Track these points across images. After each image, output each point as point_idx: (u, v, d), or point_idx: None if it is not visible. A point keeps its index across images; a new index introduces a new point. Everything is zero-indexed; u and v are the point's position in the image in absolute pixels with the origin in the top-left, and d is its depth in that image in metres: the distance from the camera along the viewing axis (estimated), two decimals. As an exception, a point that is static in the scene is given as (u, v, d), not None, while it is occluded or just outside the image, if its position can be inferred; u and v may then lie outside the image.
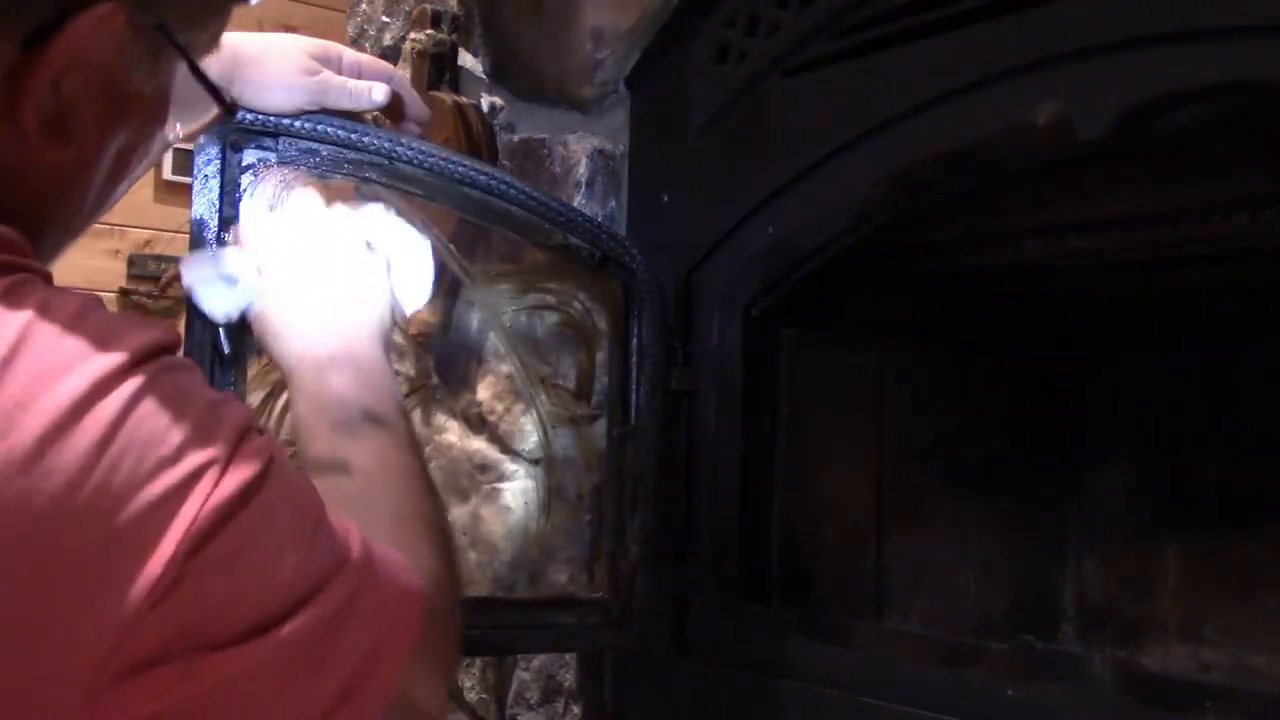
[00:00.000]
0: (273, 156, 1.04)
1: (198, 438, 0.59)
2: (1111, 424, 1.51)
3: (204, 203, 1.02)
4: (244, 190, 1.03)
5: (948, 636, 1.34)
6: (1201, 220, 1.04)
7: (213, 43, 0.73)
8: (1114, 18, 0.94)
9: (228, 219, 1.02)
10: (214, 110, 0.78)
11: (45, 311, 0.58)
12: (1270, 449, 1.33)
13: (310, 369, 0.87)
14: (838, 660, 1.12)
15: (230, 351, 0.98)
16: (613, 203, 1.38)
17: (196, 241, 1.01)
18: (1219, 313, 1.39)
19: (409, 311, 1.04)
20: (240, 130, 1.02)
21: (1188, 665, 1.38)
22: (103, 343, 0.58)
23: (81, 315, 0.59)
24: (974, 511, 1.46)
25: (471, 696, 1.47)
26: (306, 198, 1.00)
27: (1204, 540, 1.40)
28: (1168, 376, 1.45)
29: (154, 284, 3.33)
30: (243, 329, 0.96)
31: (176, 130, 0.78)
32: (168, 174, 3.15)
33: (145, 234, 3.28)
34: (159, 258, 3.32)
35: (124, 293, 3.30)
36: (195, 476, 0.58)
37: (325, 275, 0.93)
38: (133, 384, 0.58)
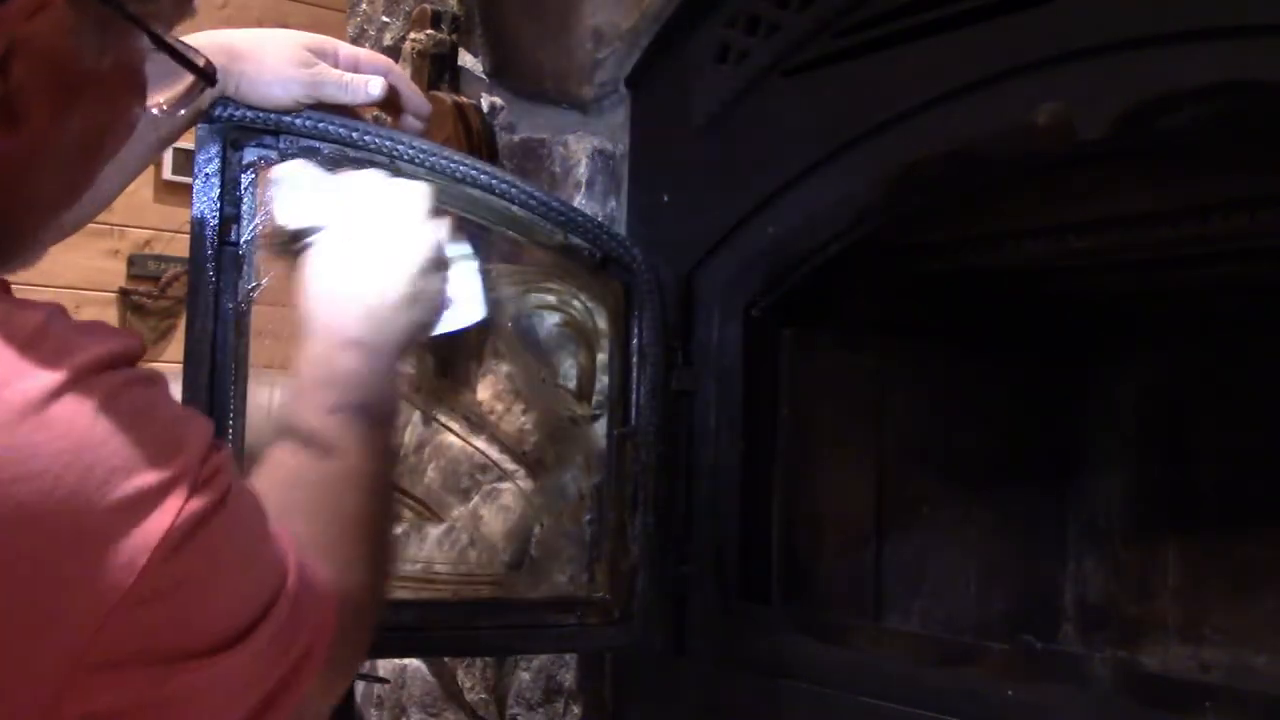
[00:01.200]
0: (274, 154, 1.03)
1: (164, 452, 0.60)
2: (1112, 424, 1.51)
3: (205, 201, 1.01)
4: (244, 188, 1.02)
5: (948, 636, 1.34)
6: (1201, 220, 1.04)
7: (178, 8, 0.71)
8: (1114, 18, 0.94)
9: (229, 217, 1.02)
10: (190, 78, 0.75)
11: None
12: (1270, 449, 1.33)
13: (335, 338, 0.86)
14: (838, 660, 1.12)
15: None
16: (613, 203, 1.37)
17: (197, 240, 1.01)
18: (1219, 313, 1.39)
19: (444, 331, 1.00)
20: (240, 128, 1.01)
21: (1188, 665, 1.38)
22: (59, 353, 0.58)
23: (43, 328, 0.59)
24: (974, 511, 1.46)
25: (471, 696, 1.47)
26: (417, 188, 0.97)
27: (1204, 540, 1.40)
28: (1168, 376, 1.45)
29: (154, 284, 3.33)
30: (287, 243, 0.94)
31: (158, 103, 0.75)
32: (168, 174, 3.14)
33: (145, 234, 3.28)
34: (159, 258, 3.32)
35: (124, 293, 3.30)
36: (164, 490, 0.59)
37: (397, 262, 0.91)
38: (89, 393, 0.58)
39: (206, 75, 0.75)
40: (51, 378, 0.57)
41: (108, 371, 0.60)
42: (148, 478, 0.58)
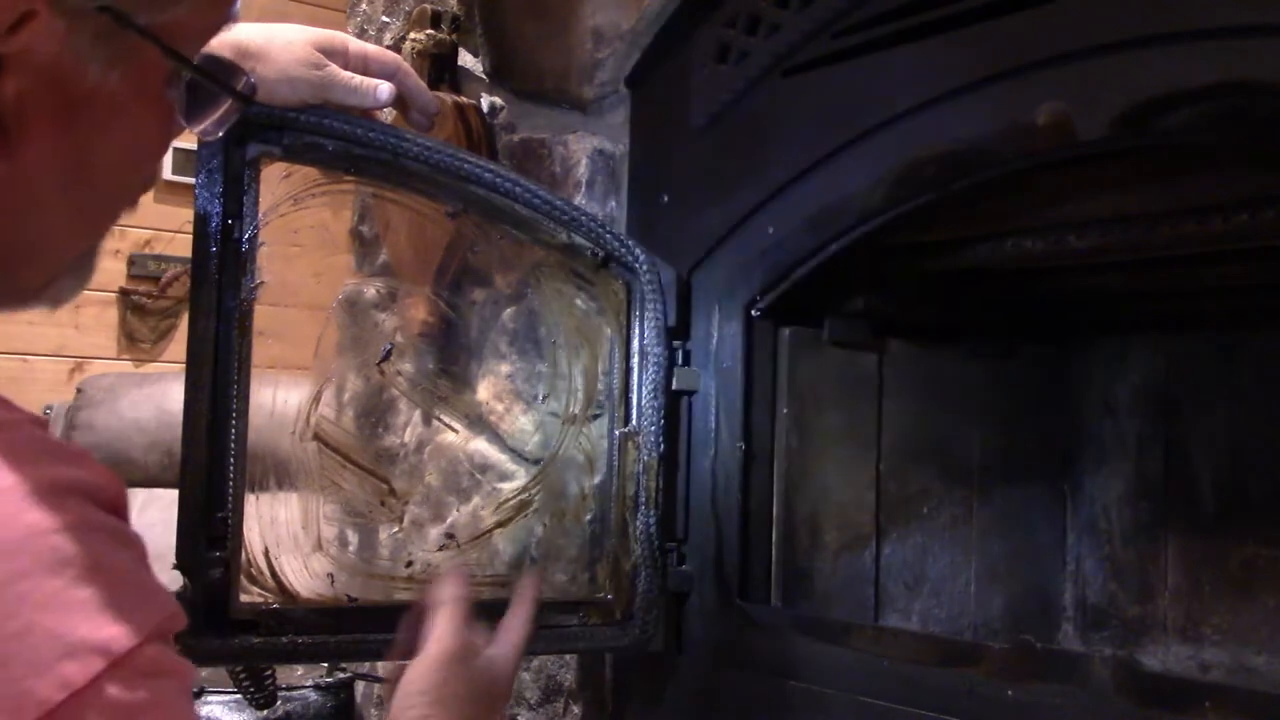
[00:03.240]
0: (278, 150, 1.03)
1: (100, 609, 0.48)
2: (1111, 424, 1.51)
3: (208, 197, 1.00)
4: (247, 184, 1.01)
5: (948, 636, 1.34)
6: (1201, 220, 1.04)
7: (202, 22, 0.64)
8: (1114, 18, 0.94)
9: (232, 213, 1.01)
10: (223, 101, 0.68)
11: None
12: (1270, 449, 1.33)
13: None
14: (838, 660, 1.12)
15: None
16: (613, 203, 1.38)
17: (200, 237, 1.00)
18: (1218, 312, 1.39)
19: None
20: (244, 123, 1.00)
21: (1188, 665, 1.38)
22: (19, 463, 0.50)
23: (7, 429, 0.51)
24: (974, 511, 1.46)
25: (471, 696, 1.46)
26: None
27: (1204, 540, 1.40)
28: (1168, 376, 1.46)
29: (154, 284, 3.33)
30: None
31: (199, 128, 0.69)
32: (168, 174, 3.14)
33: (145, 234, 3.29)
34: (159, 258, 3.32)
35: (124, 293, 3.30)
36: (70, 654, 0.47)
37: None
38: (40, 517, 0.48)
39: (243, 96, 0.69)
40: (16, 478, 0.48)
41: (76, 498, 0.50)
42: (67, 623, 0.46)
